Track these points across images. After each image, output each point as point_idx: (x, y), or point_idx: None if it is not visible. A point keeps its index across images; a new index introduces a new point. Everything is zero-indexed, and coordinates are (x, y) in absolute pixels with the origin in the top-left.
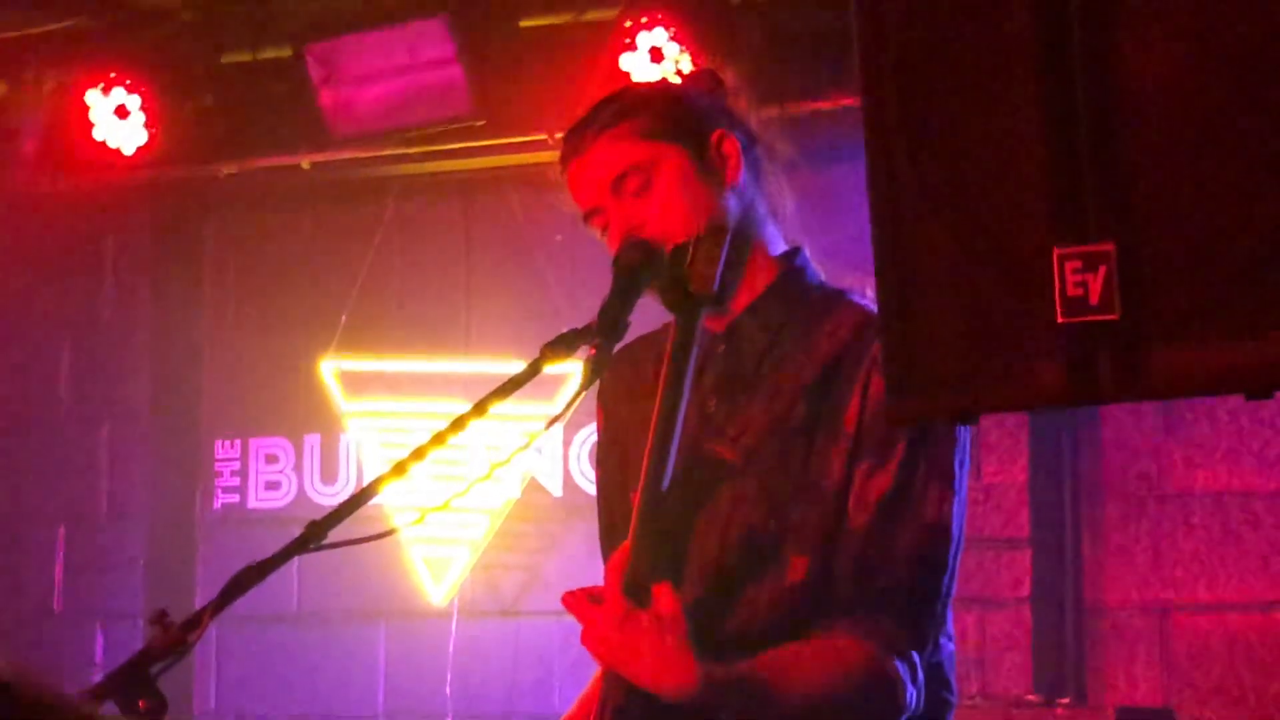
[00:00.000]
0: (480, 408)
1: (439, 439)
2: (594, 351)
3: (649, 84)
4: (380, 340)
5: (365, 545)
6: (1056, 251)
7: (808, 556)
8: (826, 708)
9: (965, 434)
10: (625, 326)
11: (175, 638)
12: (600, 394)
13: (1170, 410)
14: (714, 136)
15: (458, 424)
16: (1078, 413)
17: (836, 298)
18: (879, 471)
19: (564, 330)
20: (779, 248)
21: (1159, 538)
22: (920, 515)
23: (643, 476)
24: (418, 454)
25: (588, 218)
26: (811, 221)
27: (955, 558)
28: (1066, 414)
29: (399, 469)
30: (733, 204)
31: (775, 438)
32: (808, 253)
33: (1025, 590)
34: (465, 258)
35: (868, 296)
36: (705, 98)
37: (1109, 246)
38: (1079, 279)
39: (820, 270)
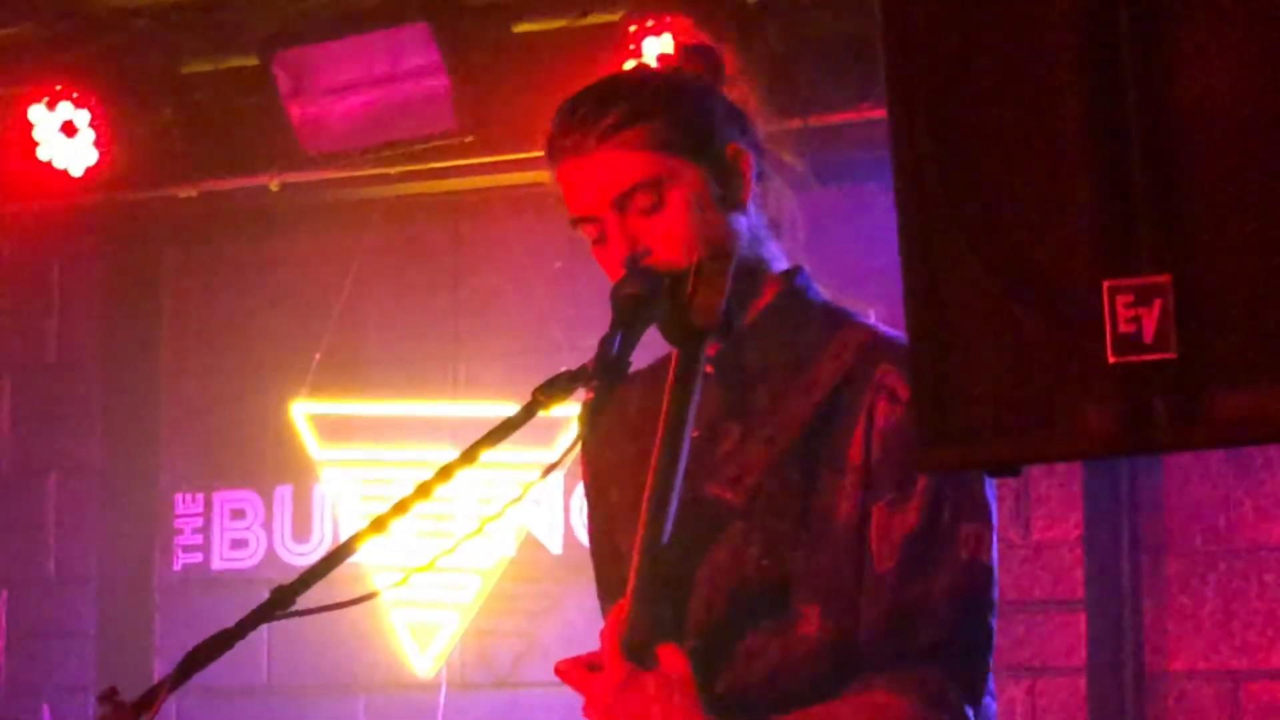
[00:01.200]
0: (469, 455)
1: (424, 490)
2: (592, 394)
3: (651, 75)
4: (358, 381)
5: (342, 611)
6: (1107, 284)
7: (819, 605)
8: None
9: None
10: (626, 366)
11: (126, 718)
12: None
13: (1238, 456)
14: (729, 151)
15: (444, 473)
16: (1136, 461)
17: (839, 318)
18: (902, 508)
19: (560, 370)
20: (780, 264)
21: (1228, 598)
22: (955, 555)
23: (641, 527)
24: (400, 507)
25: (579, 222)
26: (831, 240)
27: (996, 597)
28: (1123, 462)
29: (379, 524)
30: (742, 225)
31: (776, 476)
32: (808, 270)
33: (1081, 657)
34: (452, 289)
35: (871, 318)
36: (715, 97)
37: (1165, 279)
38: (1131, 314)
39: (823, 290)
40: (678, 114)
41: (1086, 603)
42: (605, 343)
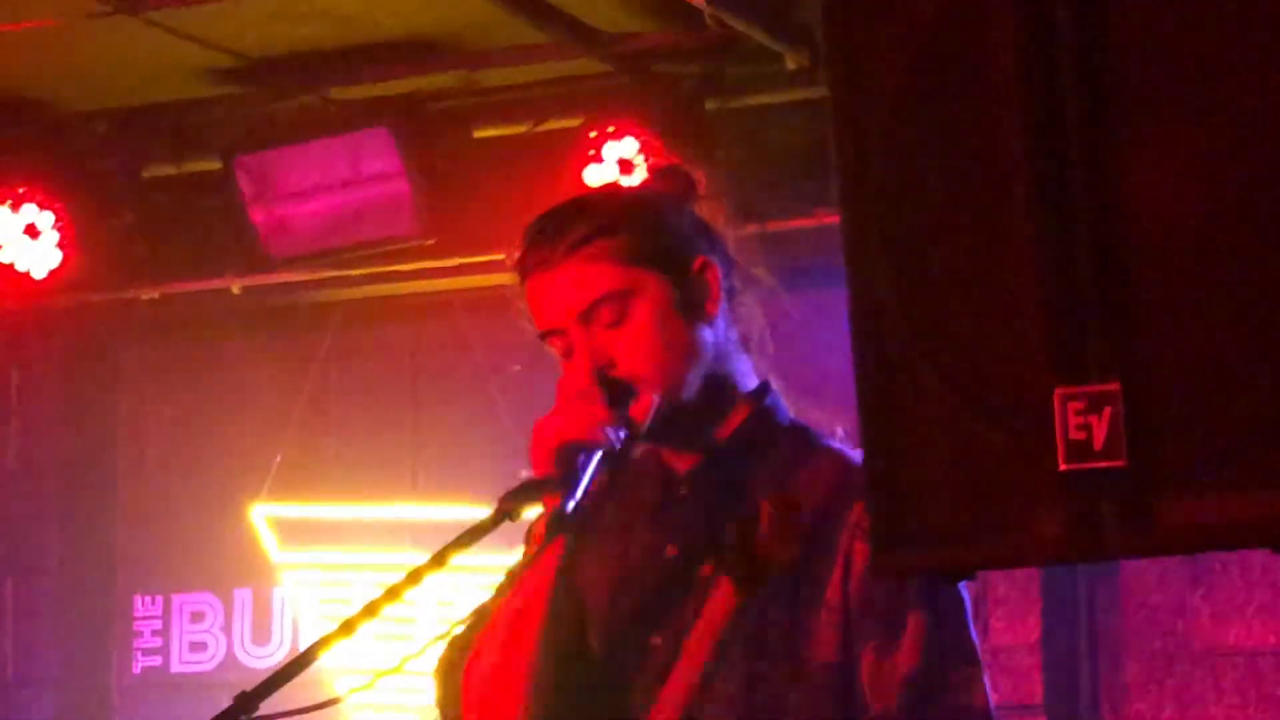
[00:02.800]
0: (439, 559)
1: (393, 594)
2: (557, 502)
3: (619, 191)
4: (318, 483)
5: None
6: (1058, 392)
7: None
8: None
9: (966, 592)
10: (590, 474)
11: None
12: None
13: (1195, 561)
14: (696, 264)
15: (413, 577)
16: (1093, 566)
17: (808, 442)
18: (892, 651)
19: (521, 471)
20: (749, 381)
21: (1187, 702)
22: (955, 700)
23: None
24: (369, 610)
25: (546, 336)
26: (792, 348)
27: None
28: (1082, 566)
29: (347, 628)
30: (708, 337)
31: (748, 615)
32: (776, 386)
33: None
34: (412, 391)
35: (838, 437)
36: (682, 212)
37: (1114, 386)
38: (1082, 421)
39: (789, 405)
40: (644, 227)
41: (1045, 708)
42: (571, 451)
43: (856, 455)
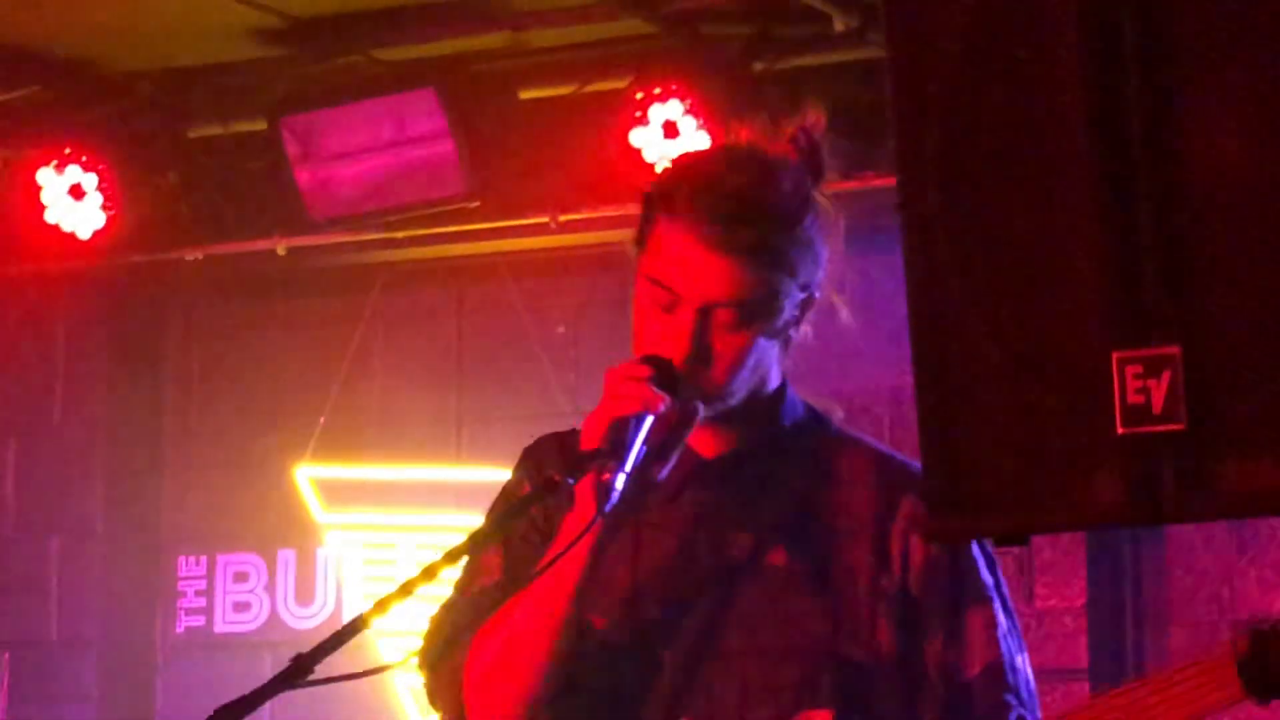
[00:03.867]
0: (500, 526)
1: (451, 558)
2: (608, 475)
3: (803, 201)
4: (362, 445)
5: (350, 683)
6: (1116, 355)
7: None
8: None
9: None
10: (640, 449)
11: None
12: (530, 470)
13: (1242, 527)
14: (808, 298)
15: (452, 557)
16: (1140, 530)
17: (829, 432)
18: (961, 645)
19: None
20: (777, 374)
21: None
22: (1026, 685)
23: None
24: (428, 573)
25: (657, 285)
26: (834, 314)
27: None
28: (1128, 532)
29: (405, 590)
30: (778, 354)
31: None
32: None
33: None
34: (457, 353)
35: (839, 421)
36: (824, 239)
37: (1174, 350)
38: (1140, 385)
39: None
40: (802, 255)
41: (1090, 672)
42: (618, 423)
43: (884, 449)
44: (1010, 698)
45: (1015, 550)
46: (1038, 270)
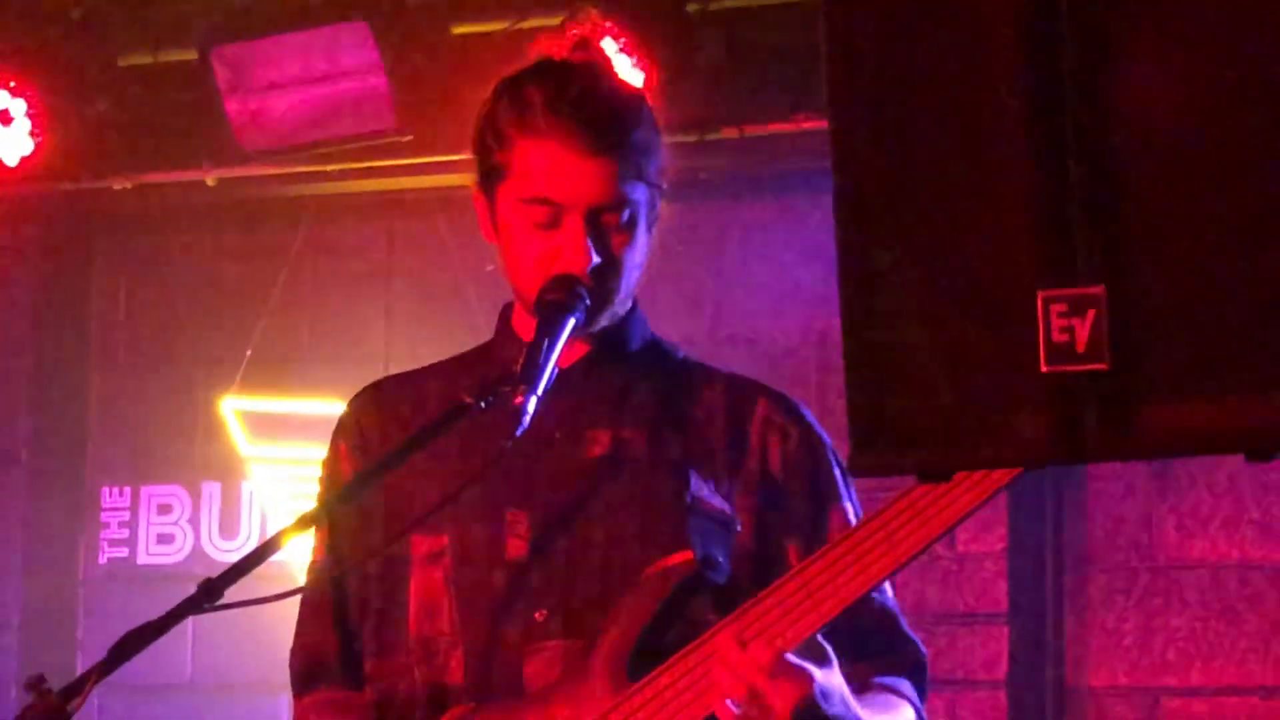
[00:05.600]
0: (396, 457)
1: (348, 495)
2: (521, 398)
3: (639, 97)
4: (288, 378)
5: (267, 608)
6: (1041, 294)
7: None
8: None
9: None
10: (552, 371)
11: (53, 706)
12: (348, 432)
13: (1163, 474)
14: (660, 190)
15: (368, 478)
16: (1061, 476)
17: (675, 352)
18: (816, 544)
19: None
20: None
21: (1150, 614)
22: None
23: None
24: (329, 505)
25: (533, 201)
26: (767, 253)
27: None
28: (1049, 476)
29: (304, 522)
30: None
31: (646, 474)
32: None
33: (1001, 671)
34: (386, 288)
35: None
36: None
37: (1099, 290)
38: (1065, 324)
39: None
40: (651, 141)
41: (1009, 617)
42: (532, 348)
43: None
44: None
45: None
46: (966, 210)
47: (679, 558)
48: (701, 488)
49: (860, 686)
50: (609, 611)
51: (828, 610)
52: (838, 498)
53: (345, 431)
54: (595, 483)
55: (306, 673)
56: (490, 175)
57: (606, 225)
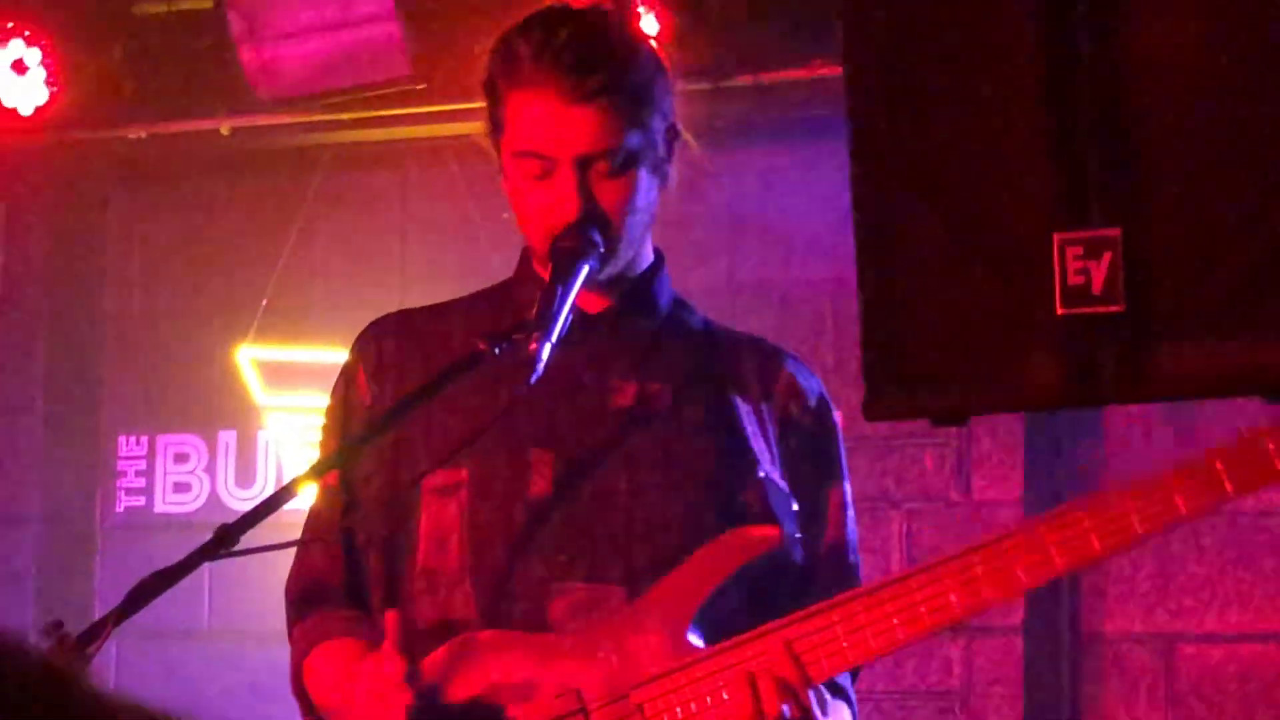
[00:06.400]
0: (407, 404)
1: (363, 440)
2: (536, 344)
3: (630, 38)
4: (304, 327)
5: (283, 556)
6: (1057, 237)
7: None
8: None
9: None
10: (566, 318)
11: (72, 650)
12: (367, 359)
13: (1179, 418)
14: (670, 130)
15: (382, 424)
16: (1077, 421)
17: (697, 313)
18: (821, 520)
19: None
20: (649, 243)
21: (1165, 560)
22: (856, 561)
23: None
24: (343, 453)
25: (524, 154)
26: (783, 201)
27: None
28: (1065, 422)
29: (319, 469)
30: (657, 197)
31: (672, 427)
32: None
33: (1017, 617)
34: (400, 236)
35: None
36: (664, 70)
37: (1115, 232)
38: (1080, 266)
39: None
40: (649, 86)
41: None
42: (546, 294)
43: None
44: (849, 574)
45: (953, 442)
46: (982, 156)
47: (765, 531)
48: (766, 462)
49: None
50: (659, 566)
51: (873, 649)
52: (839, 477)
53: (364, 358)
54: (620, 432)
55: (304, 597)
56: (494, 129)
57: (598, 174)
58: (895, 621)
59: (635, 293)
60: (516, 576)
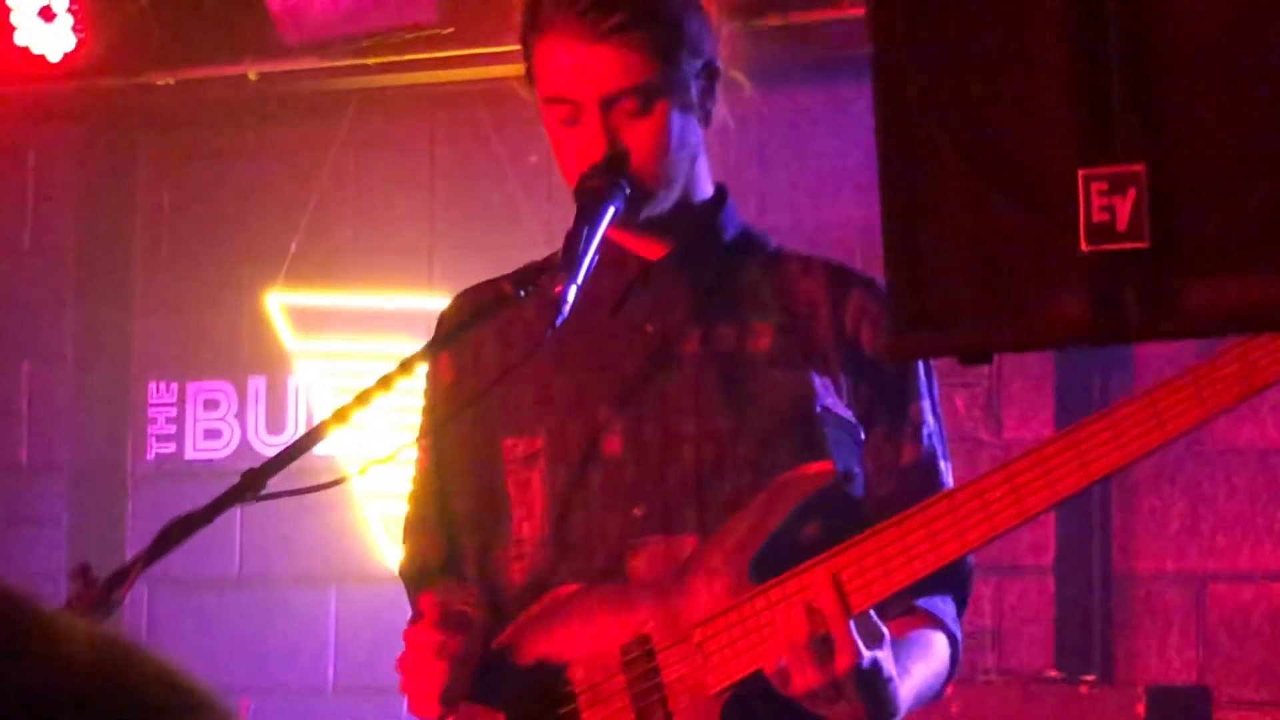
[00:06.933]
0: (428, 351)
1: (385, 383)
2: (561, 286)
3: None
4: (333, 273)
5: (315, 503)
6: (1081, 172)
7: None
8: None
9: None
10: (592, 260)
11: (100, 595)
12: (449, 339)
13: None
14: (708, 66)
15: (405, 366)
16: (1109, 361)
17: (769, 244)
18: (899, 438)
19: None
20: (709, 179)
21: (1197, 500)
22: (945, 485)
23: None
24: (361, 399)
25: (554, 101)
26: (811, 142)
27: None
28: (1096, 362)
29: (341, 415)
30: (702, 138)
31: (740, 367)
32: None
33: (1048, 557)
34: (429, 182)
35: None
36: (700, 6)
37: (1139, 167)
38: (1105, 203)
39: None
40: (678, 22)
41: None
42: (571, 236)
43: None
44: (931, 491)
45: (984, 381)
46: (1005, 90)
47: (819, 467)
48: (826, 394)
49: (903, 610)
50: (733, 510)
51: (918, 570)
52: (918, 395)
53: (446, 338)
54: (687, 379)
55: (415, 581)
56: (529, 81)
57: (623, 113)
58: (942, 538)
59: (696, 233)
60: (595, 536)
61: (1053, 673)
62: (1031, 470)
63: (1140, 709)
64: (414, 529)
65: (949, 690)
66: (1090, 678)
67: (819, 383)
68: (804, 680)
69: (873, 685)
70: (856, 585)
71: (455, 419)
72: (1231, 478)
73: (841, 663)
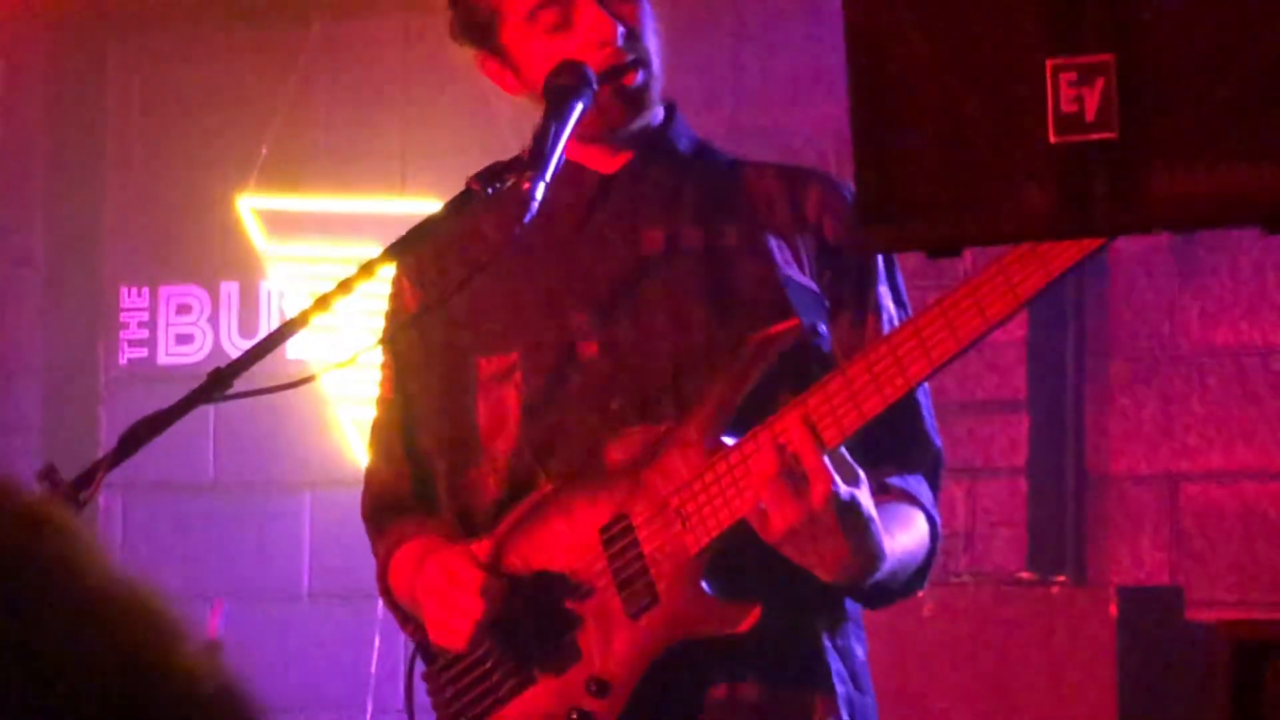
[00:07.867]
0: (391, 253)
1: (345, 287)
2: (528, 184)
3: None
4: (305, 175)
5: (290, 408)
6: (1050, 63)
7: None
8: None
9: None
10: (559, 157)
11: (66, 495)
12: (409, 268)
13: (1186, 260)
14: None
15: (366, 270)
16: (1083, 262)
17: (720, 155)
18: (861, 324)
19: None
20: (662, 110)
21: (1170, 401)
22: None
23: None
24: (323, 302)
25: (539, 8)
26: (780, 39)
27: None
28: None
29: (303, 318)
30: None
31: (707, 262)
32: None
33: (1021, 458)
34: (402, 83)
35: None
36: None
37: (1108, 57)
38: (1074, 93)
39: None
40: None
41: (1029, 403)
42: (539, 134)
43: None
44: None
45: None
46: None
47: (784, 325)
48: (788, 267)
49: (876, 488)
50: (710, 382)
51: (890, 393)
52: (877, 280)
53: (404, 266)
54: (655, 276)
55: (378, 509)
56: (487, 28)
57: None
58: (909, 360)
59: (653, 143)
60: (573, 434)
61: (1025, 574)
62: (994, 280)
63: (1112, 609)
64: (379, 459)
65: (921, 594)
66: (1062, 579)
67: (781, 259)
68: (782, 517)
69: (854, 522)
70: (828, 422)
71: (422, 337)
72: (1205, 378)
73: (818, 491)
